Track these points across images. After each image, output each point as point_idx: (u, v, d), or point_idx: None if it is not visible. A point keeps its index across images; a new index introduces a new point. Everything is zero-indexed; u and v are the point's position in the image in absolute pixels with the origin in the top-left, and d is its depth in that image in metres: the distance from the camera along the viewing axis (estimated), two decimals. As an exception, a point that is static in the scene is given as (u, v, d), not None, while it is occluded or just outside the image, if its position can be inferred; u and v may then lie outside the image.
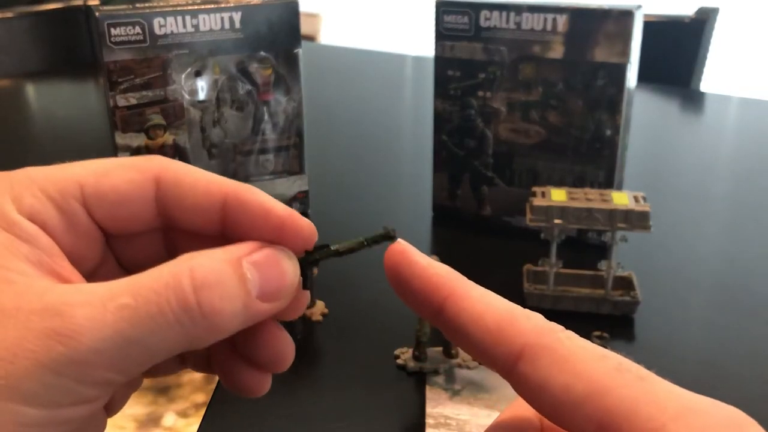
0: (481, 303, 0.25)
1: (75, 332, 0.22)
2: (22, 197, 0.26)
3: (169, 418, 0.53)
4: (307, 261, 0.28)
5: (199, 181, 0.27)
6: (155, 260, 0.27)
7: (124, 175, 0.27)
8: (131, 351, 0.23)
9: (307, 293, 0.29)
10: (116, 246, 0.29)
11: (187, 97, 0.79)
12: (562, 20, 0.74)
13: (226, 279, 0.24)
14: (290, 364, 0.29)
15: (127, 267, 0.29)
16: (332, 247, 0.29)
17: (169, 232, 0.29)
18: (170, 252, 0.29)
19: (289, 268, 0.27)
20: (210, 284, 0.24)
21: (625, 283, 0.67)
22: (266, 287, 0.25)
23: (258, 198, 0.27)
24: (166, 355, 0.24)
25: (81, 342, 0.22)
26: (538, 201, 0.64)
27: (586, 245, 0.77)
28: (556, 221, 0.63)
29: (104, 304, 0.23)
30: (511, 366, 0.24)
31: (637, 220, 0.63)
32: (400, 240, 0.28)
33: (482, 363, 0.25)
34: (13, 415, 0.22)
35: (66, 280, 0.25)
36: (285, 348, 0.29)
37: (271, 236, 0.27)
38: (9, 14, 1.60)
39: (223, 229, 0.28)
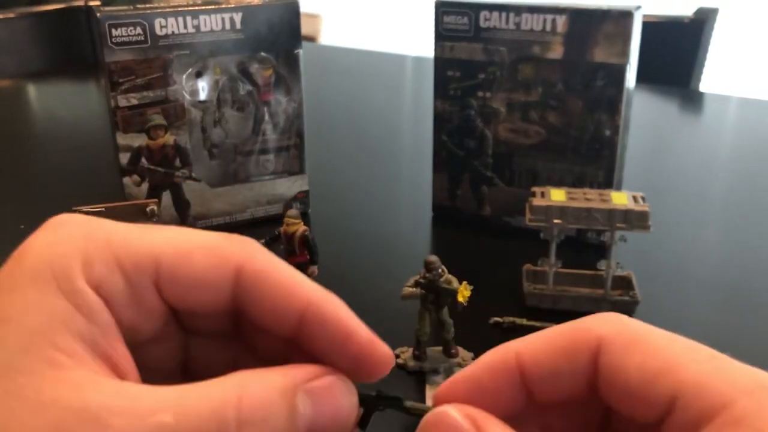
0: (543, 337, 0.25)
1: None
2: (93, 264, 0.24)
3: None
4: (371, 403, 0.26)
5: (281, 284, 0.25)
6: (218, 333, 0.27)
7: (205, 260, 0.25)
8: None
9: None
10: (183, 316, 0.28)
11: (188, 97, 0.79)
12: (561, 21, 0.74)
13: (274, 414, 0.23)
14: None
15: (191, 332, 0.28)
16: (405, 404, 0.26)
17: (240, 311, 0.27)
18: (234, 329, 0.28)
19: (348, 406, 0.25)
20: (256, 420, 0.22)
21: (624, 283, 0.68)
22: (318, 423, 0.24)
23: (340, 316, 0.25)
24: None
25: None
26: (537, 201, 0.64)
27: (585, 245, 0.77)
28: (556, 221, 0.64)
29: (143, 419, 0.21)
30: (594, 365, 0.24)
31: (636, 220, 0.63)
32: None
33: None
34: None
35: (115, 366, 0.24)
36: None
37: (345, 360, 0.25)
38: (10, 14, 1.60)
39: (296, 335, 0.26)
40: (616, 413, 0.25)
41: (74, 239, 0.24)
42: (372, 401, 0.26)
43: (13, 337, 0.22)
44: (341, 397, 0.24)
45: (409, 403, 0.26)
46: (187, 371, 0.28)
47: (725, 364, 0.23)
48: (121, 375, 0.24)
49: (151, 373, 0.25)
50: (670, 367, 0.23)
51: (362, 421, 0.26)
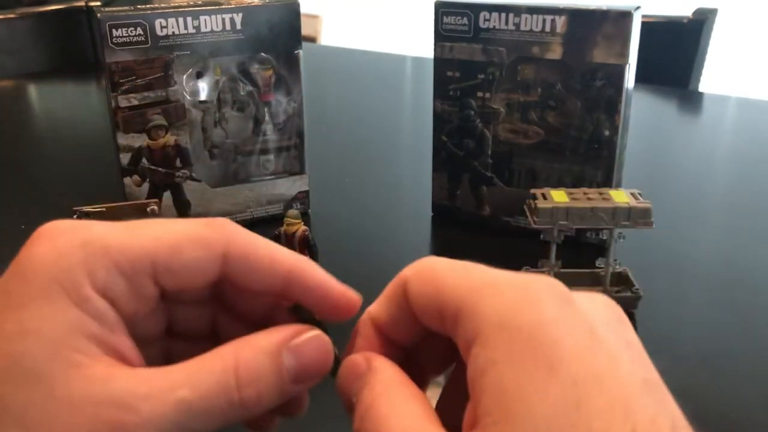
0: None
1: (141, 426, 0.25)
2: (96, 272, 0.27)
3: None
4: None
5: (264, 257, 0.30)
6: (200, 301, 0.32)
7: (194, 252, 0.29)
8: None
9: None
10: (171, 294, 0.31)
11: (188, 97, 0.79)
12: (560, 21, 0.74)
13: (265, 374, 0.28)
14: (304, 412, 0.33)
15: (174, 314, 0.32)
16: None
17: (223, 285, 0.31)
18: (215, 294, 0.32)
19: (325, 355, 0.30)
20: (251, 382, 0.27)
21: (621, 280, 0.68)
22: (302, 373, 0.29)
23: (317, 275, 0.31)
24: None
25: (139, 425, 0.25)
26: (541, 203, 0.64)
27: (583, 244, 0.78)
28: (561, 223, 0.64)
29: (165, 397, 0.26)
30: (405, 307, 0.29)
31: (639, 216, 0.63)
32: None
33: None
34: None
35: (123, 357, 0.27)
36: (302, 399, 0.32)
37: (326, 308, 0.31)
38: (11, 15, 1.60)
39: (282, 296, 0.31)
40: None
41: (74, 251, 0.27)
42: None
43: (36, 348, 0.25)
44: (318, 348, 0.29)
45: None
46: (171, 332, 0.32)
47: (470, 273, 0.27)
48: (129, 364, 0.27)
49: (143, 341, 0.29)
50: (440, 288, 0.27)
51: (333, 369, 0.30)
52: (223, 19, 0.78)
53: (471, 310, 0.26)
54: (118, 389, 0.25)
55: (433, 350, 0.31)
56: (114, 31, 0.74)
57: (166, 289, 0.29)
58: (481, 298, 0.26)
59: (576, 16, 0.74)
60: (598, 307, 0.27)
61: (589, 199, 0.64)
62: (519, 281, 0.26)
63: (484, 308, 0.25)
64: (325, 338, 0.30)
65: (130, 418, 0.25)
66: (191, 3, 0.79)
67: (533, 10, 0.75)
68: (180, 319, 0.32)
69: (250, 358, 0.27)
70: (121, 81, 0.76)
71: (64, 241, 0.27)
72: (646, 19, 0.75)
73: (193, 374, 0.27)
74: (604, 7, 0.73)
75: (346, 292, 0.31)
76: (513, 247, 0.78)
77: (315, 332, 0.30)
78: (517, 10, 0.76)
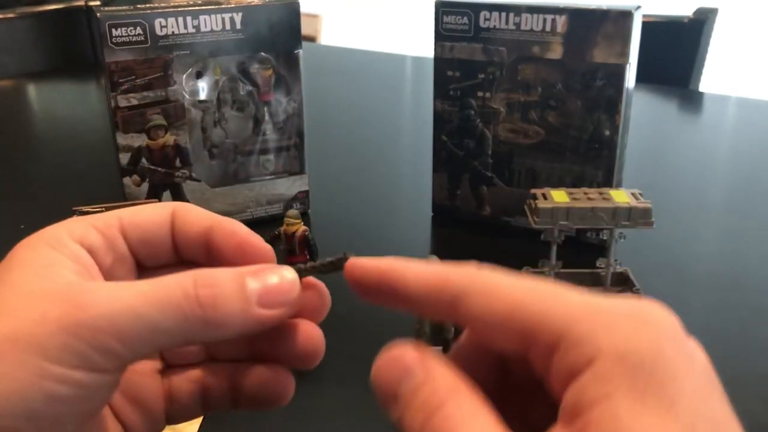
0: (418, 271, 0.29)
1: (94, 302, 0.27)
2: (75, 228, 0.31)
3: (171, 417, 0.54)
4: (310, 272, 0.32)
5: (193, 214, 0.33)
6: (167, 266, 0.34)
7: (151, 211, 0.33)
8: (139, 326, 0.27)
9: (328, 297, 0.34)
10: (147, 277, 0.33)
11: (188, 97, 0.79)
12: (561, 21, 0.74)
13: (223, 282, 0.29)
14: (321, 357, 0.34)
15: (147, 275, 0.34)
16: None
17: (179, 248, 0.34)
18: (180, 263, 0.34)
19: (289, 277, 0.30)
20: (209, 284, 0.28)
21: (622, 279, 0.68)
22: (267, 296, 0.29)
23: (234, 228, 0.33)
24: (168, 342, 0.28)
25: (99, 311, 0.27)
26: (542, 203, 0.64)
27: (583, 244, 0.78)
28: (562, 223, 0.64)
29: (123, 287, 0.28)
30: (453, 312, 0.27)
31: (640, 216, 0.63)
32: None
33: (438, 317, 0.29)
34: (37, 368, 0.26)
35: None
36: (316, 341, 0.34)
37: (244, 260, 0.32)
38: (10, 15, 1.60)
39: (211, 251, 0.33)
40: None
41: (58, 224, 0.32)
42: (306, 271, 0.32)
43: (15, 267, 0.29)
44: (284, 273, 0.30)
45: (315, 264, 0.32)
46: None
47: (564, 296, 0.25)
48: None
49: None
50: (517, 307, 0.26)
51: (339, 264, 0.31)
52: (223, 19, 0.78)
53: (580, 339, 0.24)
54: (79, 283, 0.29)
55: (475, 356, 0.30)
56: (113, 30, 0.74)
57: (136, 251, 0.33)
58: (594, 327, 0.24)
59: (576, 15, 0.74)
60: (700, 349, 0.26)
61: (589, 199, 0.64)
62: (632, 310, 0.25)
63: (599, 339, 0.24)
64: (288, 268, 0.31)
65: (87, 295, 0.27)
66: (191, 3, 0.79)
67: (533, 10, 0.75)
68: None
69: (211, 271, 0.29)
70: (120, 81, 0.76)
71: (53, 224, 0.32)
72: (646, 19, 0.75)
73: (154, 279, 0.29)
74: (605, 7, 0.73)
75: (260, 242, 0.33)
76: (513, 247, 0.78)
77: (277, 265, 0.31)
78: (518, 9, 0.76)
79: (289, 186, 0.87)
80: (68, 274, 0.29)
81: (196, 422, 0.53)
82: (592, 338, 0.24)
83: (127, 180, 0.80)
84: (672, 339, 0.24)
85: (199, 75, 0.79)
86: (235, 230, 0.33)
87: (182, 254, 0.34)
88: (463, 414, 0.25)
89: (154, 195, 0.80)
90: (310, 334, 0.34)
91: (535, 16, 0.75)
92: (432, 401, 0.26)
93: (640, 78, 0.78)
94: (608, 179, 0.77)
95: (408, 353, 0.28)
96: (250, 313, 0.29)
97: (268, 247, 0.33)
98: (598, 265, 0.67)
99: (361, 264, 0.30)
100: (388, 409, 0.27)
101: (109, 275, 0.32)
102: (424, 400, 0.26)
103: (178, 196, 0.82)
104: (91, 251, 0.31)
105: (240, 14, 0.78)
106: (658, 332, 0.24)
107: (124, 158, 0.79)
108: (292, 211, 0.68)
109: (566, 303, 0.25)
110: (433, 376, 0.27)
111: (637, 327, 0.24)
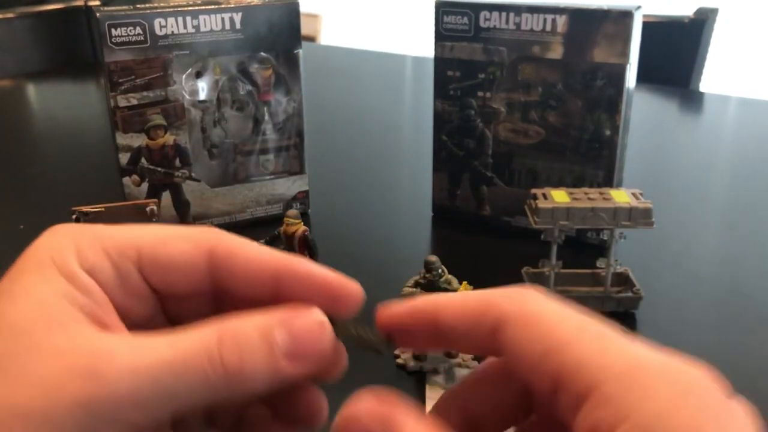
0: (454, 301, 0.27)
1: (113, 374, 0.24)
2: (85, 252, 0.28)
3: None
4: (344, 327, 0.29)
5: (251, 256, 0.29)
6: (203, 317, 0.29)
7: (180, 245, 0.29)
8: (161, 398, 0.25)
9: (345, 356, 0.30)
10: (169, 304, 0.30)
11: (187, 97, 0.79)
12: (561, 21, 0.74)
13: (249, 339, 0.26)
14: (324, 421, 0.30)
15: (176, 323, 0.30)
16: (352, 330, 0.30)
17: (220, 293, 0.30)
18: (218, 312, 0.31)
19: (323, 332, 0.28)
20: (235, 346, 0.26)
21: (622, 280, 0.68)
22: (296, 349, 0.27)
23: (311, 268, 0.29)
24: (190, 405, 0.26)
25: (118, 385, 0.24)
26: (542, 203, 0.64)
27: (584, 245, 0.77)
28: (562, 223, 0.64)
29: (143, 353, 0.25)
30: (492, 340, 0.26)
31: (640, 216, 0.63)
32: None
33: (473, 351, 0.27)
34: None
35: (113, 332, 0.27)
36: (319, 405, 0.31)
37: (324, 302, 0.28)
38: (10, 14, 1.60)
39: (276, 298, 0.29)
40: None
41: (68, 235, 0.28)
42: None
43: (25, 307, 0.26)
44: (314, 324, 0.27)
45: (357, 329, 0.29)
46: None
47: (607, 344, 0.24)
48: None
49: None
50: (556, 347, 0.24)
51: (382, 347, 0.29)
52: (223, 19, 0.78)
53: (611, 398, 0.22)
54: (97, 341, 0.25)
55: (494, 397, 0.29)
56: (113, 30, 0.74)
57: (155, 286, 0.29)
58: (628, 388, 0.22)
59: (577, 15, 0.74)
60: (745, 414, 0.23)
61: (589, 199, 0.64)
62: (677, 376, 0.23)
63: (629, 402, 0.22)
64: (322, 316, 0.28)
65: (103, 366, 0.24)
66: (191, 3, 0.79)
67: (534, 10, 0.75)
68: (186, 321, 0.31)
69: (237, 325, 0.27)
70: (120, 81, 0.76)
71: (63, 230, 0.28)
72: (646, 19, 0.75)
73: (176, 337, 0.26)
74: (605, 7, 0.72)
75: (342, 281, 0.29)
76: (513, 247, 0.78)
77: (312, 310, 0.28)
78: (518, 9, 0.76)
79: (289, 186, 0.87)
80: (83, 322, 0.26)
81: (196, 423, 0.53)
82: (623, 400, 0.22)
83: (126, 180, 0.80)
84: (715, 418, 0.22)
85: (198, 75, 0.79)
86: (314, 273, 0.29)
87: (224, 289, 0.30)
88: None
89: (154, 195, 0.80)
90: (312, 397, 0.31)
91: (536, 16, 0.75)
92: None
93: (641, 78, 0.78)
94: (608, 179, 0.77)
95: (367, 410, 0.25)
96: (277, 369, 0.26)
97: (358, 288, 0.29)
98: (598, 265, 0.67)
99: (392, 311, 0.29)
100: None
101: (121, 309, 0.28)
102: None
103: (178, 196, 0.82)
104: (100, 283, 0.28)
105: (240, 14, 0.78)
106: (698, 407, 0.22)
107: (124, 158, 0.79)
108: (292, 211, 0.68)
109: (608, 353, 0.23)
110: None
111: (677, 397, 0.22)
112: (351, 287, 0.29)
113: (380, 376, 0.58)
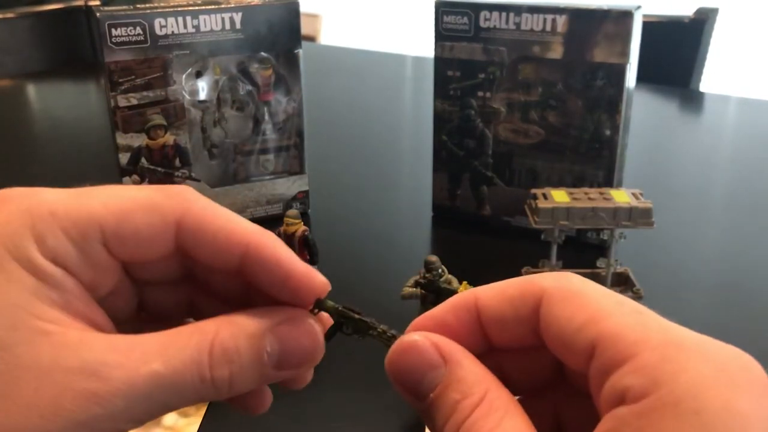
0: (491, 288, 0.27)
1: (111, 395, 0.24)
2: (45, 238, 0.25)
3: (170, 418, 0.54)
4: (338, 323, 0.29)
5: (220, 229, 0.28)
6: (169, 279, 0.30)
7: (145, 218, 0.27)
8: (152, 409, 0.25)
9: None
10: (134, 268, 0.29)
11: (187, 97, 0.79)
12: (561, 21, 0.74)
13: (241, 356, 0.26)
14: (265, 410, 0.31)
15: (142, 284, 0.30)
16: (373, 331, 0.29)
17: (187, 258, 0.29)
18: (185, 272, 0.30)
19: (314, 342, 0.28)
20: (225, 362, 0.26)
21: (622, 279, 0.68)
22: (286, 359, 0.27)
23: (278, 254, 0.28)
24: (178, 409, 0.27)
25: (116, 404, 0.24)
26: (542, 203, 0.64)
27: (584, 244, 0.77)
28: (562, 223, 0.63)
29: (138, 368, 0.25)
30: (533, 323, 0.26)
31: (640, 216, 0.63)
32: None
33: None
34: None
35: (92, 321, 0.27)
36: (265, 398, 0.31)
37: (286, 291, 0.28)
38: (10, 14, 1.60)
39: (241, 273, 0.29)
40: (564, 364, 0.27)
41: (20, 217, 0.26)
42: (338, 322, 0.29)
43: (3, 322, 0.24)
44: (306, 334, 0.28)
45: (377, 328, 0.29)
46: (147, 315, 0.31)
47: (646, 319, 0.24)
48: (99, 329, 0.27)
49: (114, 321, 0.28)
50: (595, 318, 0.24)
51: (327, 335, 0.29)
52: (223, 19, 0.78)
53: (643, 367, 0.22)
54: (88, 357, 0.24)
55: (526, 363, 0.29)
56: (113, 30, 0.74)
57: (121, 259, 0.28)
58: (664, 359, 0.22)
59: (577, 15, 0.73)
60: None
61: (590, 199, 0.64)
62: (714, 354, 0.22)
63: (662, 373, 0.22)
64: (315, 326, 0.28)
65: (100, 386, 0.24)
66: (191, 3, 0.79)
67: (534, 10, 0.75)
68: (153, 299, 0.31)
69: (228, 337, 0.26)
70: (120, 80, 0.76)
71: (11, 208, 0.26)
72: (646, 19, 0.75)
73: (168, 346, 0.26)
74: (605, 7, 0.72)
75: (310, 274, 0.28)
76: (513, 247, 0.78)
77: (305, 318, 0.28)
78: (518, 9, 0.76)
79: (289, 186, 0.87)
80: (65, 324, 0.25)
81: (196, 422, 0.53)
82: (658, 370, 0.22)
83: (126, 180, 0.80)
84: (748, 397, 0.21)
85: (198, 75, 0.79)
86: (280, 260, 0.28)
87: (195, 272, 0.30)
88: (496, 418, 0.24)
89: (154, 195, 0.80)
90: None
91: (536, 16, 0.75)
92: (464, 405, 0.25)
93: (641, 78, 0.78)
94: (609, 179, 0.77)
95: (432, 343, 0.26)
96: (265, 375, 0.27)
97: (324, 284, 0.29)
98: (598, 265, 0.67)
99: (425, 318, 0.28)
100: (409, 401, 0.26)
101: (89, 285, 0.27)
102: (454, 401, 0.25)
103: (178, 196, 0.82)
104: (68, 270, 0.26)
105: (240, 14, 0.78)
106: (732, 384, 0.22)
107: (124, 158, 0.79)
108: (292, 211, 0.68)
109: (646, 327, 0.23)
110: (459, 375, 0.25)
111: (712, 374, 0.22)
112: (315, 282, 0.28)
113: (380, 376, 0.58)
